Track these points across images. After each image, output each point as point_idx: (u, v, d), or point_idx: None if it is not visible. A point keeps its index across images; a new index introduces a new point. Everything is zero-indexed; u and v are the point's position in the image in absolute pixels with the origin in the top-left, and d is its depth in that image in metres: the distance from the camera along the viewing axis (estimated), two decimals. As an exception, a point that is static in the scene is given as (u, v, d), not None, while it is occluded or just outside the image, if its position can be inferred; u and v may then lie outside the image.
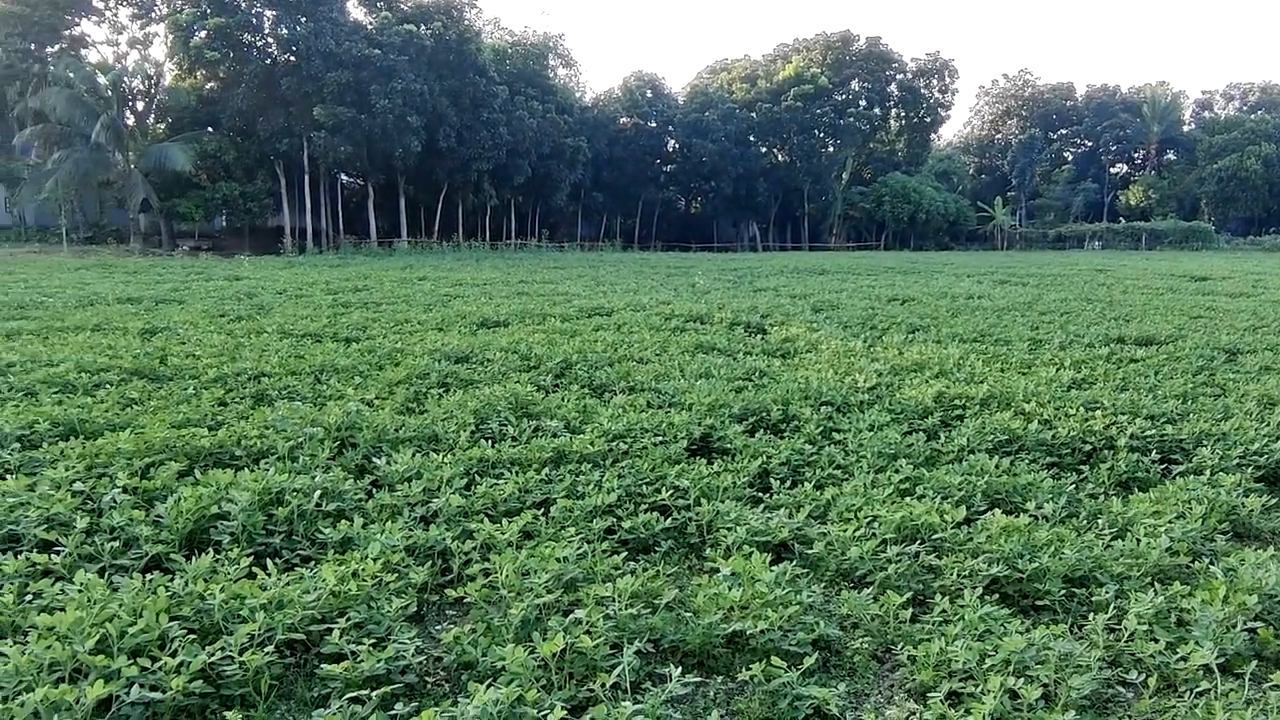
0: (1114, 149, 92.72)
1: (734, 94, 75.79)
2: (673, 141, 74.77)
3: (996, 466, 6.18)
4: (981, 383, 9.00)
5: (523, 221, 67.77)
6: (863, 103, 78.82)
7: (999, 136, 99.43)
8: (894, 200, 79.07)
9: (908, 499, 5.57)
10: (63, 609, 3.75)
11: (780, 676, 3.51)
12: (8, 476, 5.57)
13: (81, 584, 4.04)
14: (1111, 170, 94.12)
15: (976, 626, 3.91)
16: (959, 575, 4.52)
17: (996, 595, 4.40)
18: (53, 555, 4.46)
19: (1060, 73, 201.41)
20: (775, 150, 77.54)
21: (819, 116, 73.74)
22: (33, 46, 48.82)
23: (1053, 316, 16.05)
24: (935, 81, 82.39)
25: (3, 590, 3.99)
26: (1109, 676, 3.75)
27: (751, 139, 74.43)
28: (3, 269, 28.94)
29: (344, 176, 59.59)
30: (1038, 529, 5.01)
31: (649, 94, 73.08)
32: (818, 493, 5.76)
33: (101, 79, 46.98)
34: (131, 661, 3.43)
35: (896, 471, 6.15)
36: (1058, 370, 9.93)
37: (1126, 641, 3.92)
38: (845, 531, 4.96)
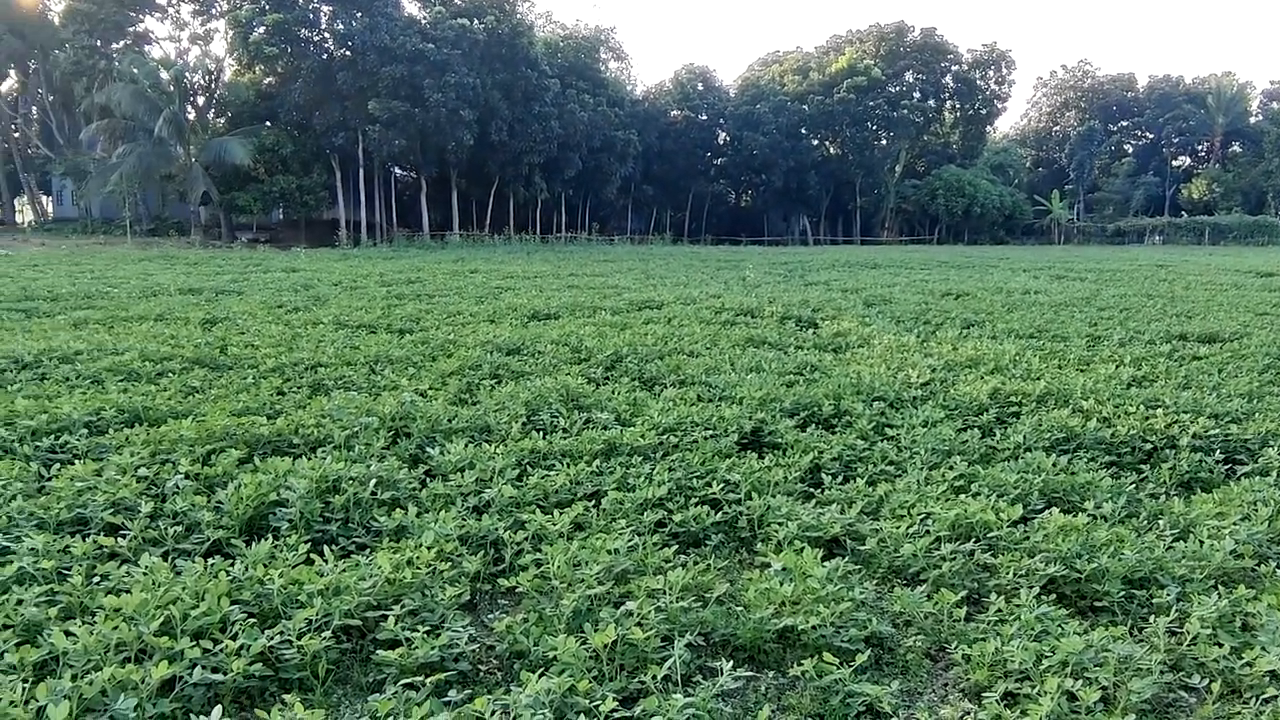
0: (1176, 141, 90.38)
1: (786, 86, 75.20)
2: (723, 134, 74.48)
3: (1054, 465, 6.08)
4: (1038, 379, 8.85)
5: (573, 215, 68.03)
6: (917, 95, 77.70)
7: (1057, 129, 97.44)
8: (948, 194, 77.88)
9: (962, 496, 5.50)
10: (128, 591, 3.86)
11: (832, 673, 3.50)
12: (76, 461, 5.74)
13: (146, 567, 4.15)
14: (1173, 163, 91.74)
15: (1033, 627, 3.85)
16: (1015, 574, 4.46)
17: (1054, 596, 4.33)
18: (119, 539, 4.59)
19: (1121, 63, 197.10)
20: (827, 143, 76.83)
21: (872, 109, 72.89)
22: (99, 43, 50.10)
23: (1112, 312, 15.71)
24: (991, 73, 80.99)
25: (72, 572, 4.11)
26: (1170, 681, 3.67)
27: (803, 131, 73.81)
28: (70, 260, 29.76)
29: (397, 170, 60.26)
30: (1096, 529, 4.92)
31: (700, 86, 72.86)
32: (870, 489, 5.71)
33: (164, 74, 48.06)
34: (194, 643, 3.51)
35: (950, 468, 6.08)
36: (1117, 367, 9.72)
37: (1189, 645, 3.83)
38: (898, 528, 4.92)
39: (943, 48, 78.72)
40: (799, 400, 7.84)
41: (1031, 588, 4.24)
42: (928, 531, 4.91)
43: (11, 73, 57.87)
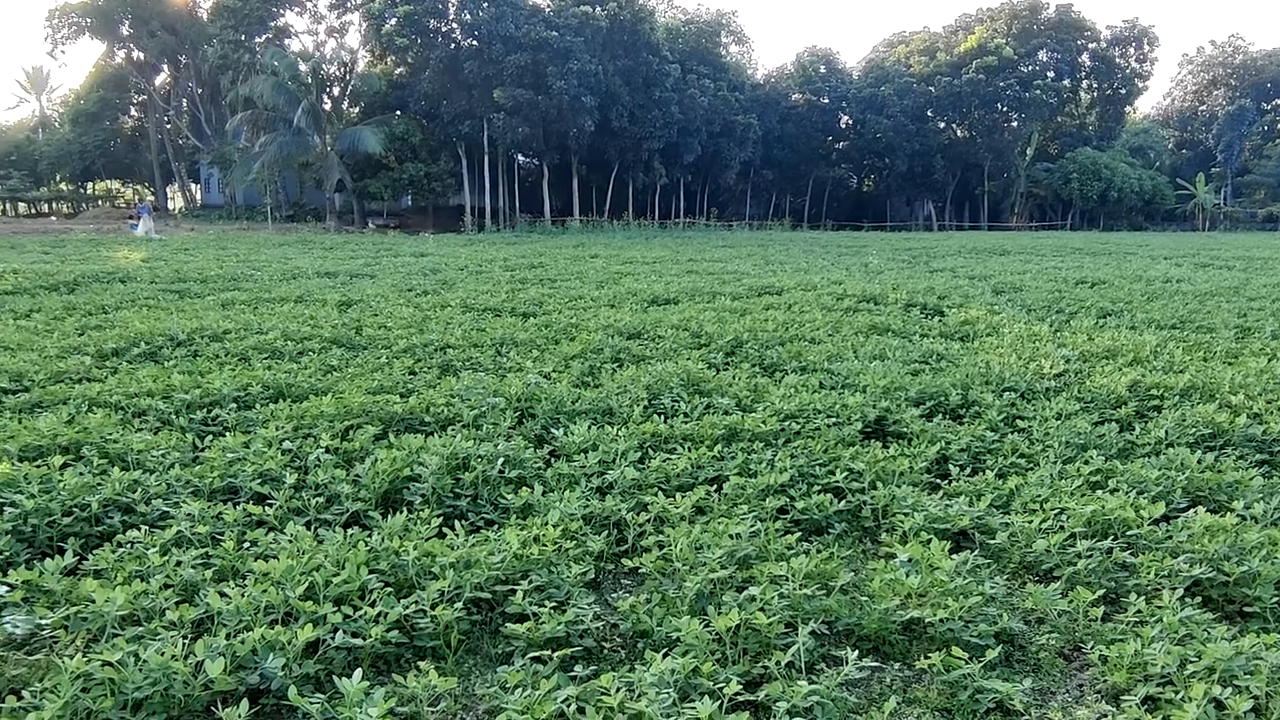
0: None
1: (911, 67, 73.19)
2: (845, 118, 73.04)
3: (1199, 462, 5.78)
4: (1181, 372, 8.41)
5: (691, 200, 67.95)
6: (1050, 74, 74.39)
7: (1203, 108, 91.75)
8: (1082, 177, 74.41)
9: (1099, 492, 5.29)
10: (276, 557, 4.08)
11: (961, 667, 3.43)
12: (226, 434, 6.09)
13: (292, 535, 4.38)
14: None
15: (1176, 630, 3.68)
16: (1156, 575, 4.27)
17: (1198, 599, 4.12)
18: (266, 507, 4.86)
19: (1277, 38, 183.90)
20: (954, 125, 74.47)
21: (1002, 89, 70.21)
22: (244, 38, 52.67)
23: (1263, 303, 14.75)
24: (1132, 50, 76.90)
25: (224, 537, 4.38)
26: (1329, 693, 3.46)
27: (929, 114, 71.75)
28: (217, 244, 31.45)
29: (520, 157, 61.35)
30: (1246, 530, 4.65)
31: (822, 69, 71.60)
32: (1000, 481, 5.55)
33: (302, 66, 50.16)
34: (336, 609, 3.69)
35: (1086, 463, 5.84)
36: (1269, 360, 9.14)
37: (1351, 657, 3.59)
38: (1030, 523, 4.76)
39: (1079, 24, 75.13)
40: (925, 389, 7.66)
41: (1175, 589, 4.05)
42: (1062, 527, 4.74)
43: (164, 68, 61.45)
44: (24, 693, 3.09)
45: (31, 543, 4.48)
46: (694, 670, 3.34)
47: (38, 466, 5.20)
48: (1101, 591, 4.11)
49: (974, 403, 7.40)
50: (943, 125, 73.78)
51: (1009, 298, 15.65)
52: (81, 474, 5.09)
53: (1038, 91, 71.31)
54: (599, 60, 51.77)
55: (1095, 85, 78.83)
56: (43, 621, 3.59)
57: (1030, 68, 73.37)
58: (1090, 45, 76.12)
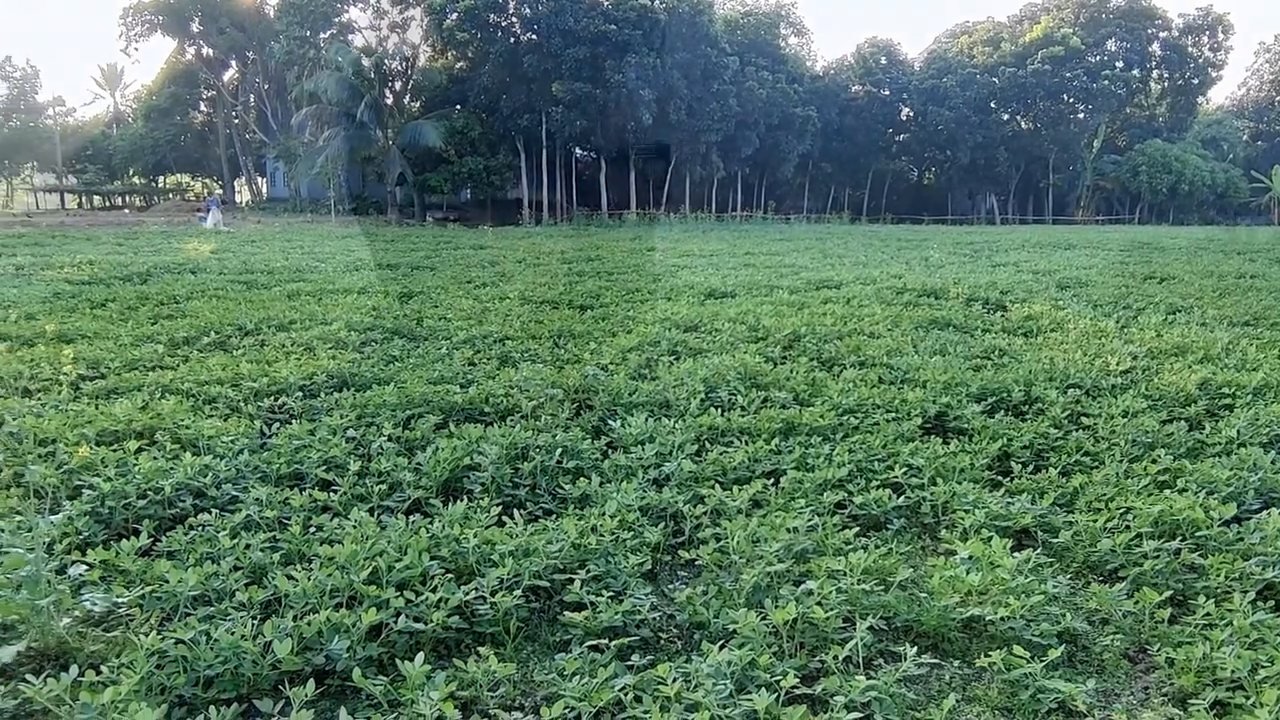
0: None
1: (975, 58, 71.79)
2: (906, 109, 71.94)
3: (1272, 462, 5.61)
4: (1254, 370, 8.17)
5: (749, 193, 67.57)
6: (1119, 64, 72.35)
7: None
8: (1151, 170, 72.31)
9: (1166, 492, 5.17)
10: (340, 542, 4.18)
11: (1022, 667, 3.38)
12: (293, 421, 6.24)
13: (356, 521, 4.48)
14: None
15: (1247, 633, 3.59)
16: (1226, 577, 4.16)
17: (1270, 602, 4.02)
18: (331, 493, 4.97)
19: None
20: (1018, 117, 72.88)
21: (1069, 80, 68.52)
22: (309, 34, 53.60)
23: (1345, 300, 14.23)
24: (1205, 39, 74.46)
25: (291, 521, 4.49)
26: None
27: (992, 105, 70.31)
28: (283, 237, 32.11)
29: (578, 150, 61.54)
30: (1324, 534, 4.51)
31: (883, 60, 70.59)
32: (1064, 480, 5.46)
33: (365, 62, 50.89)
34: (398, 594, 3.77)
35: (1154, 462, 5.71)
36: (1351, 360, 8.83)
37: None
38: (1095, 522, 4.68)
39: (1150, 12, 72.97)
40: (986, 385, 7.55)
41: (1245, 592, 3.94)
42: (1127, 527, 4.64)
43: (232, 64, 62.86)
44: (102, 668, 3.20)
45: (108, 524, 4.63)
46: (751, 663, 3.34)
47: (114, 451, 5.38)
48: (1168, 593, 4.02)
49: (1037, 399, 7.27)
50: (1006, 117, 72.25)
51: (1074, 293, 15.31)
52: (155, 458, 5.25)
53: (1106, 82, 69.43)
54: (657, 53, 51.67)
55: (1166, 75, 76.50)
56: (119, 600, 3.72)
57: (1098, 57, 71.48)
58: (1161, 34, 73.89)
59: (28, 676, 3.07)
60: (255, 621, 3.52)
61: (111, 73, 74.79)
